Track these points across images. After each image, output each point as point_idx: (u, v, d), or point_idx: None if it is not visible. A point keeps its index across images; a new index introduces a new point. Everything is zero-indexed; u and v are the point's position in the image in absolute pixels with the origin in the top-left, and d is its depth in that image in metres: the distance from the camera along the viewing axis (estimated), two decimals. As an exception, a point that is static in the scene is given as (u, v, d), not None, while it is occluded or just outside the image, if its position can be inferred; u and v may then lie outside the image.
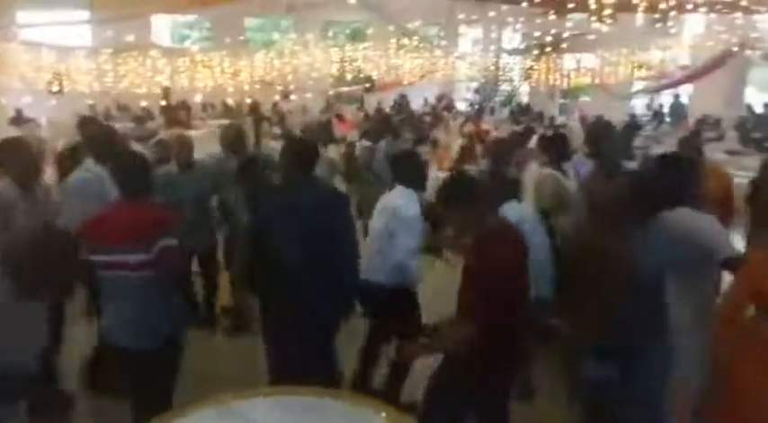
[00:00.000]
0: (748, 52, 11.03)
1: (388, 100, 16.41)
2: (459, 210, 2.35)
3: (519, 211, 3.24)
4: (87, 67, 12.77)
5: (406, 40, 12.39)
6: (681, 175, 2.78)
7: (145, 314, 2.43)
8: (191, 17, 16.93)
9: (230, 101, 12.16)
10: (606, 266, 2.37)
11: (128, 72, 12.17)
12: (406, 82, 15.69)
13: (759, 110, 12.10)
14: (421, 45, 13.27)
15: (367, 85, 15.11)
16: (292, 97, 12.35)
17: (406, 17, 12.25)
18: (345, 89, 15.61)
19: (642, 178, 3.06)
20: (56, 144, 6.42)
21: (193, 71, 13.07)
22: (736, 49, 10.77)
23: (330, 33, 17.60)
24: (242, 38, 15.18)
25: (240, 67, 12.73)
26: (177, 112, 9.11)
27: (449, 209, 2.38)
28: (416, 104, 16.66)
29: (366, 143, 6.52)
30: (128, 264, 2.35)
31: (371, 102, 15.70)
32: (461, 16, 10.28)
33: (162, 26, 16.15)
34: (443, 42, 16.42)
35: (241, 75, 12.77)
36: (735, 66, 12.30)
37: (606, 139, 5.61)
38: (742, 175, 4.79)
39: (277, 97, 12.81)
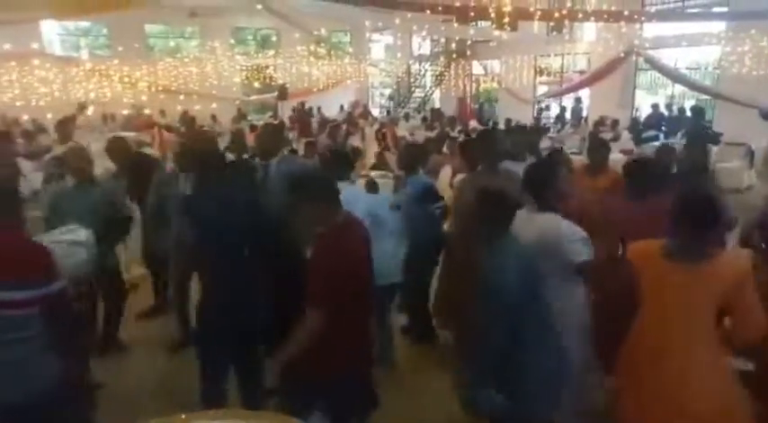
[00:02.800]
0: (634, 58, 11.92)
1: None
2: (307, 206, 2.38)
3: (370, 202, 3.61)
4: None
5: (315, 47, 12.26)
6: (542, 180, 2.83)
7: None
8: (85, 24, 15.89)
9: (126, 111, 11.45)
10: (473, 277, 2.43)
11: (10, 83, 11.12)
12: (318, 89, 15.57)
13: (647, 111, 13.13)
14: (332, 52, 13.22)
15: (277, 93, 14.81)
16: (197, 108, 11.81)
17: (313, 24, 12.15)
18: (254, 98, 15.24)
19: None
20: None
21: (89, 81, 12.20)
22: (622, 55, 11.61)
23: (236, 40, 17.18)
24: (142, 45, 14.43)
25: (141, 75, 12.04)
26: (68, 126, 8.35)
27: (299, 205, 2.41)
28: (332, 111, 16.62)
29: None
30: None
31: (286, 110, 15.48)
32: (368, 23, 10.35)
33: (51, 33, 15.01)
34: (354, 49, 16.50)
35: (141, 84, 12.06)
36: (624, 70, 13.27)
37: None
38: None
39: (179, 107, 12.20)
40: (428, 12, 8.44)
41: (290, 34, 11.85)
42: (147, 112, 11.64)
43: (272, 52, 13.87)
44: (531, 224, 2.70)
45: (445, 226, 4.21)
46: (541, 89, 16.60)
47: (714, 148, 10.65)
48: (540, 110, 16.81)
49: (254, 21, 17.56)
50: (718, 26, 12.04)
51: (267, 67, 13.84)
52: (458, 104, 16.36)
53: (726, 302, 2.16)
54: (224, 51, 13.52)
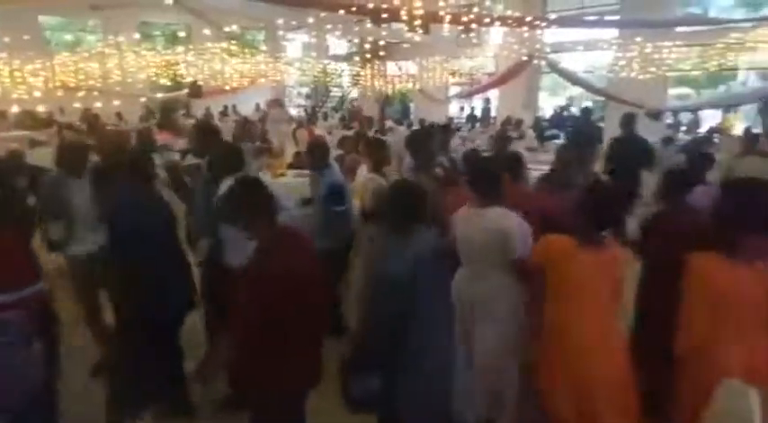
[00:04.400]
0: (536, 62, 12.69)
1: (216, 106, 15.79)
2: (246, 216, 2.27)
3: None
4: None
5: (228, 45, 11.94)
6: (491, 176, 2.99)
7: None
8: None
9: (15, 108, 10.58)
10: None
11: None
12: (232, 87, 15.19)
13: (550, 111, 14.01)
14: (246, 50, 12.95)
15: (188, 90, 14.30)
16: (97, 105, 11.12)
17: (226, 21, 11.86)
18: (162, 96, 14.62)
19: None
20: None
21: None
22: (525, 58, 12.32)
23: (142, 35, 16.39)
24: (36, 37, 13.40)
25: (34, 69, 11.16)
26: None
27: (237, 215, 2.31)
28: (248, 110, 16.28)
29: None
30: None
31: (199, 108, 14.98)
32: (282, 21, 10.25)
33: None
34: (269, 47, 16.26)
35: (33, 79, 11.16)
36: (529, 73, 14.07)
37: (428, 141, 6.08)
38: (539, 169, 5.52)
39: (77, 104, 11.44)
40: (342, 12, 8.52)
41: (201, 30, 11.46)
42: (41, 109, 10.83)
43: (181, 49, 13.32)
44: (478, 219, 2.85)
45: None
46: (454, 90, 17.23)
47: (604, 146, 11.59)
48: (461, 109, 17.47)
49: (162, 15, 16.85)
50: (611, 33, 13.06)
51: (176, 63, 13.29)
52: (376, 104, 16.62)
53: (619, 283, 2.52)
54: (129, 47, 12.82)
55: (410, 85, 15.57)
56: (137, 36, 14.39)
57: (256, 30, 18.80)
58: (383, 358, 2.28)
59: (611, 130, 12.58)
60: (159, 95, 14.71)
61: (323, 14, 8.84)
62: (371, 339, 2.31)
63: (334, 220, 4.11)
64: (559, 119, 14.14)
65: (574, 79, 12.71)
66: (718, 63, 11.35)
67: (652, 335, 2.81)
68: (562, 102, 17.79)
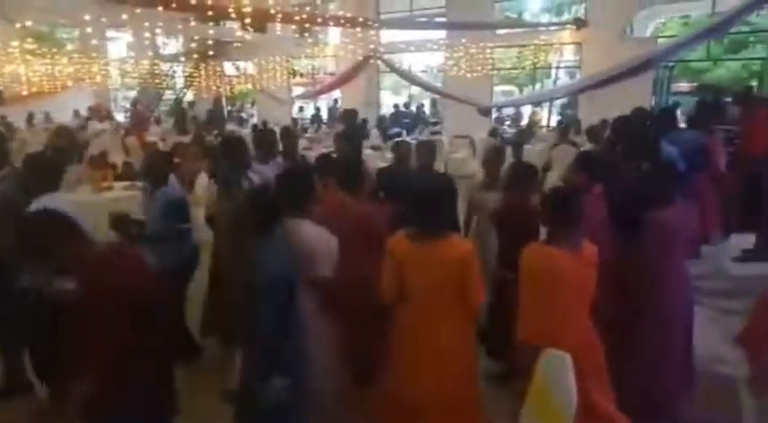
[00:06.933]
0: (373, 62, 12.97)
1: (18, 113, 13.70)
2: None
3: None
4: None
5: (20, 43, 10.33)
6: (299, 186, 2.82)
7: None
8: None
9: None
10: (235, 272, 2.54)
11: None
12: (43, 92, 13.33)
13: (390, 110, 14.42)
14: (54, 49, 11.39)
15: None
16: None
17: (28, 16, 10.30)
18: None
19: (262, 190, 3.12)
20: None
21: None
22: (362, 58, 12.53)
23: None
24: None
25: None
26: None
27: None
28: (65, 118, 14.40)
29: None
30: None
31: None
32: (87, 17, 9.12)
33: None
34: (85, 47, 14.52)
35: None
36: (368, 73, 14.34)
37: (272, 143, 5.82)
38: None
39: None
40: (160, 8, 7.82)
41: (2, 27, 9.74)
42: None
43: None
44: (287, 230, 2.64)
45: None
46: (297, 90, 17.00)
47: (444, 141, 12.25)
48: (301, 108, 17.25)
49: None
50: (440, 34, 13.80)
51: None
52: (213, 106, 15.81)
53: (459, 275, 2.52)
54: None
55: (249, 86, 15.01)
56: None
57: (70, 28, 16.75)
58: (282, 360, 2.35)
59: (449, 126, 13.39)
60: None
61: (138, 11, 8.03)
62: (266, 345, 2.34)
63: (177, 238, 3.72)
64: (402, 117, 14.63)
65: (410, 78, 13.22)
66: (532, 62, 12.56)
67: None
68: (404, 100, 18.48)
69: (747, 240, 5.25)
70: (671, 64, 11.53)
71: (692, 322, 3.30)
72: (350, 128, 6.56)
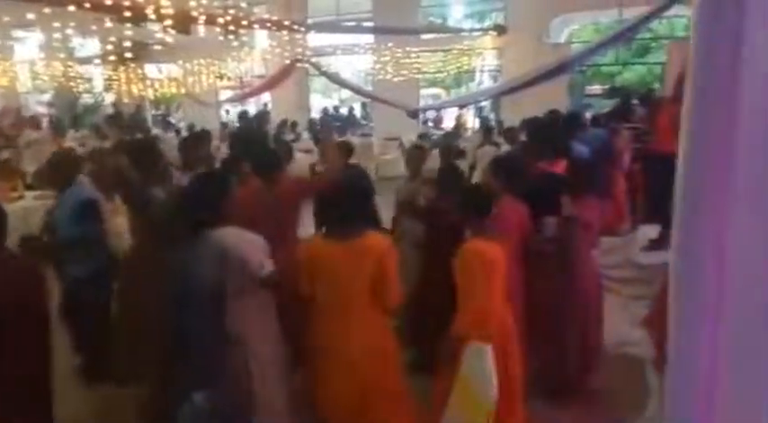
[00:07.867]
0: (302, 65, 12.91)
1: None
2: None
3: None
4: None
5: None
6: (215, 193, 2.75)
7: None
8: None
9: None
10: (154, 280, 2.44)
11: None
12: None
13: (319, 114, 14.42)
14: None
15: None
16: None
17: None
18: None
19: (182, 195, 3.05)
20: None
21: None
22: (289, 61, 12.45)
23: None
24: None
25: None
26: None
27: None
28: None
29: None
30: None
31: None
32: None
33: None
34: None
35: None
36: (298, 76, 14.24)
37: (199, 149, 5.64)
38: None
39: None
40: (72, 8, 7.40)
41: None
42: None
43: None
44: (211, 241, 2.55)
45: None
46: (225, 94, 16.59)
47: (375, 143, 12.41)
48: (227, 112, 16.87)
49: None
50: (368, 38, 13.92)
51: None
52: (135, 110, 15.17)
53: (375, 272, 2.54)
54: None
55: (174, 90, 14.49)
56: None
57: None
58: (206, 373, 2.33)
59: (379, 128, 13.54)
60: None
61: (47, 10, 7.58)
62: (191, 359, 2.31)
63: (90, 244, 3.52)
64: (331, 120, 14.67)
65: (339, 82, 13.27)
66: (456, 66, 12.95)
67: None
68: (335, 103, 18.50)
69: (654, 231, 5.67)
70: (584, 68, 12.27)
71: (602, 306, 3.57)
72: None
